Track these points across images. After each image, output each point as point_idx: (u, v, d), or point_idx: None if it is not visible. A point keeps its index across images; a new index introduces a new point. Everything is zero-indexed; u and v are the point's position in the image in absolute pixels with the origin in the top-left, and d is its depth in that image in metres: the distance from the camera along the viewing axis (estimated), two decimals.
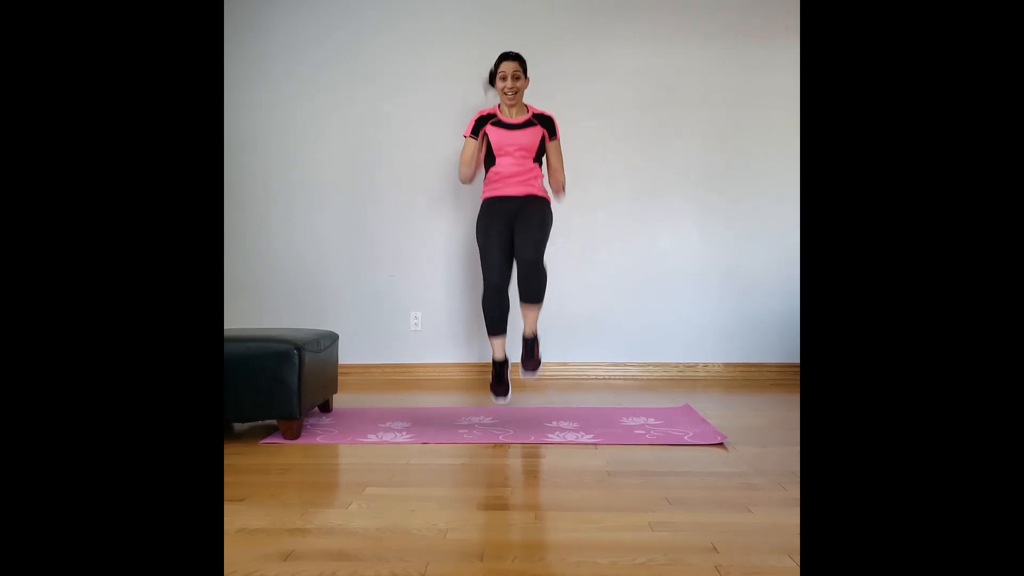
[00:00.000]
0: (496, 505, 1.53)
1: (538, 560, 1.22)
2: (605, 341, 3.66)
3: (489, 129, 2.74)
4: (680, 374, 3.61)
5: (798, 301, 3.53)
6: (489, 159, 2.78)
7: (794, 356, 3.64)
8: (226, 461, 1.94)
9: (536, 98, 3.66)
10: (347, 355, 3.70)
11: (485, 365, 3.67)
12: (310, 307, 3.72)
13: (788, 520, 1.43)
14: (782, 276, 3.63)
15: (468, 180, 2.79)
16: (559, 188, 2.84)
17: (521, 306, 2.73)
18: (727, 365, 3.64)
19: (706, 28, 3.63)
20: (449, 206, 3.69)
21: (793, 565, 1.20)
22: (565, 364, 3.66)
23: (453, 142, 3.67)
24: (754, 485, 1.68)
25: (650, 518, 1.44)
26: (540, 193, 2.76)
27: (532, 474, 1.79)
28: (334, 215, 3.72)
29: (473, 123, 2.77)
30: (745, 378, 3.58)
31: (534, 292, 2.65)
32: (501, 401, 2.78)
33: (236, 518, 1.46)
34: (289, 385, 2.15)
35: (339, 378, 3.62)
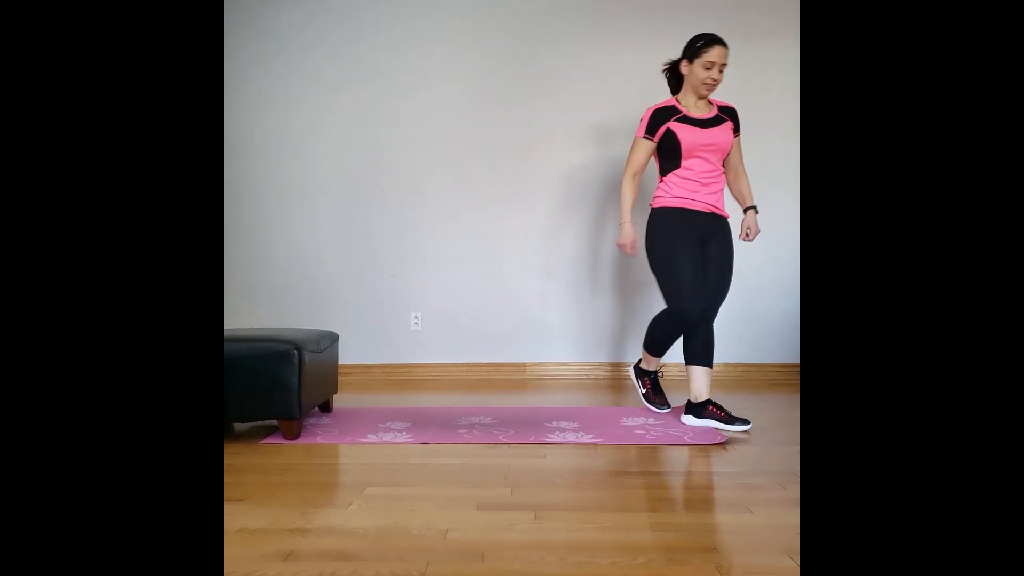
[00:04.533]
0: (496, 505, 1.53)
1: (538, 560, 1.22)
2: (605, 341, 3.66)
3: (675, 126, 2.30)
4: (680, 374, 3.61)
5: (798, 301, 3.53)
6: (671, 162, 2.36)
7: (794, 356, 3.64)
8: (226, 461, 1.94)
9: (535, 97, 3.66)
10: (347, 355, 3.70)
11: (485, 365, 3.68)
12: (310, 307, 3.72)
13: (788, 520, 1.43)
14: (782, 276, 3.63)
15: (634, 190, 2.40)
16: (749, 196, 2.43)
17: (688, 369, 2.40)
18: (727, 365, 3.64)
19: (706, 27, 3.63)
20: (449, 206, 3.69)
21: (793, 565, 1.20)
22: (565, 364, 3.66)
23: (453, 142, 3.68)
24: (754, 485, 1.68)
25: (650, 518, 1.44)
26: (725, 214, 2.41)
27: (532, 474, 1.79)
28: (334, 215, 3.72)
29: (648, 121, 2.34)
30: (745, 378, 3.58)
31: (709, 354, 2.37)
32: (665, 409, 2.57)
33: (236, 518, 1.46)
34: (289, 385, 2.15)
35: (339, 378, 3.62)
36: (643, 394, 2.64)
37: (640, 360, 2.67)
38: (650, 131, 2.34)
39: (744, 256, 3.63)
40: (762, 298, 3.63)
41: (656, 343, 2.48)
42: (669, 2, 3.64)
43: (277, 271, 3.73)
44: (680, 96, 2.39)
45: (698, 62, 2.29)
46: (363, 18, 3.70)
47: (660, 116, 2.33)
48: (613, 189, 3.65)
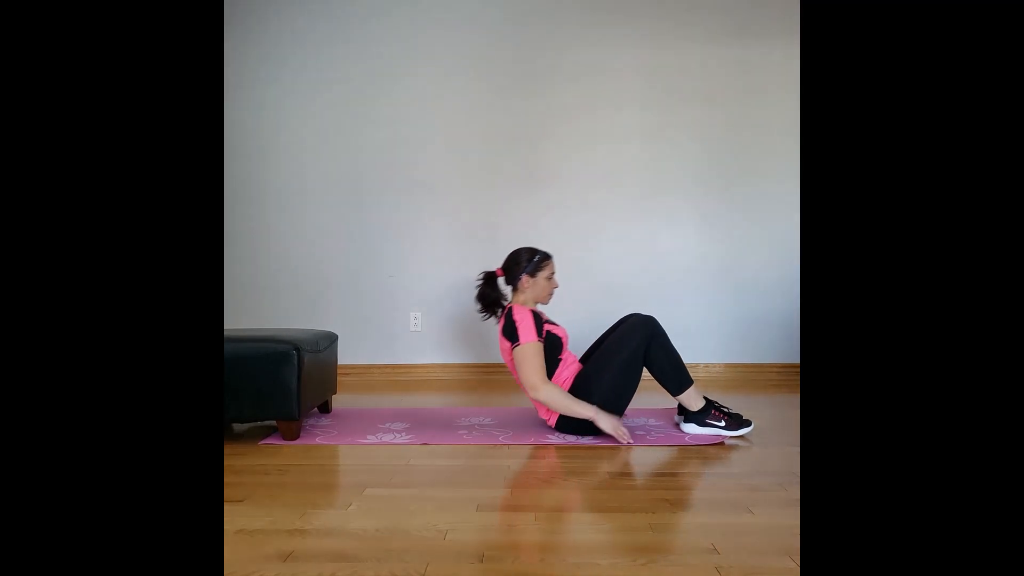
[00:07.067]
0: (496, 506, 1.53)
1: (538, 561, 1.22)
2: None
3: (550, 327, 2.34)
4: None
5: (798, 301, 3.53)
6: (553, 357, 2.34)
7: (794, 356, 3.64)
8: (226, 461, 1.93)
9: (536, 96, 3.66)
10: (347, 355, 3.70)
11: (485, 366, 3.67)
12: (310, 307, 3.72)
13: (788, 520, 1.42)
14: (782, 276, 3.63)
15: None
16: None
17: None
18: (727, 365, 3.64)
19: (706, 27, 3.63)
20: (449, 205, 3.69)
21: (793, 565, 1.20)
22: None
23: (453, 141, 3.67)
24: (754, 485, 1.68)
25: (650, 519, 1.44)
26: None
27: (532, 475, 1.79)
28: (334, 215, 3.72)
29: (534, 325, 2.25)
30: (745, 378, 3.58)
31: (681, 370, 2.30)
32: (750, 424, 2.26)
33: (236, 518, 1.46)
34: (288, 386, 2.15)
35: (339, 378, 3.62)
36: (723, 429, 2.24)
37: (683, 410, 2.32)
38: (539, 333, 2.26)
39: (744, 257, 3.63)
40: (762, 299, 3.63)
41: (679, 364, 2.25)
42: (670, 2, 3.64)
43: (277, 271, 3.73)
44: (523, 304, 2.37)
45: (542, 275, 2.35)
46: (362, 18, 3.70)
47: (539, 320, 2.29)
48: (612, 190, 3.65)
